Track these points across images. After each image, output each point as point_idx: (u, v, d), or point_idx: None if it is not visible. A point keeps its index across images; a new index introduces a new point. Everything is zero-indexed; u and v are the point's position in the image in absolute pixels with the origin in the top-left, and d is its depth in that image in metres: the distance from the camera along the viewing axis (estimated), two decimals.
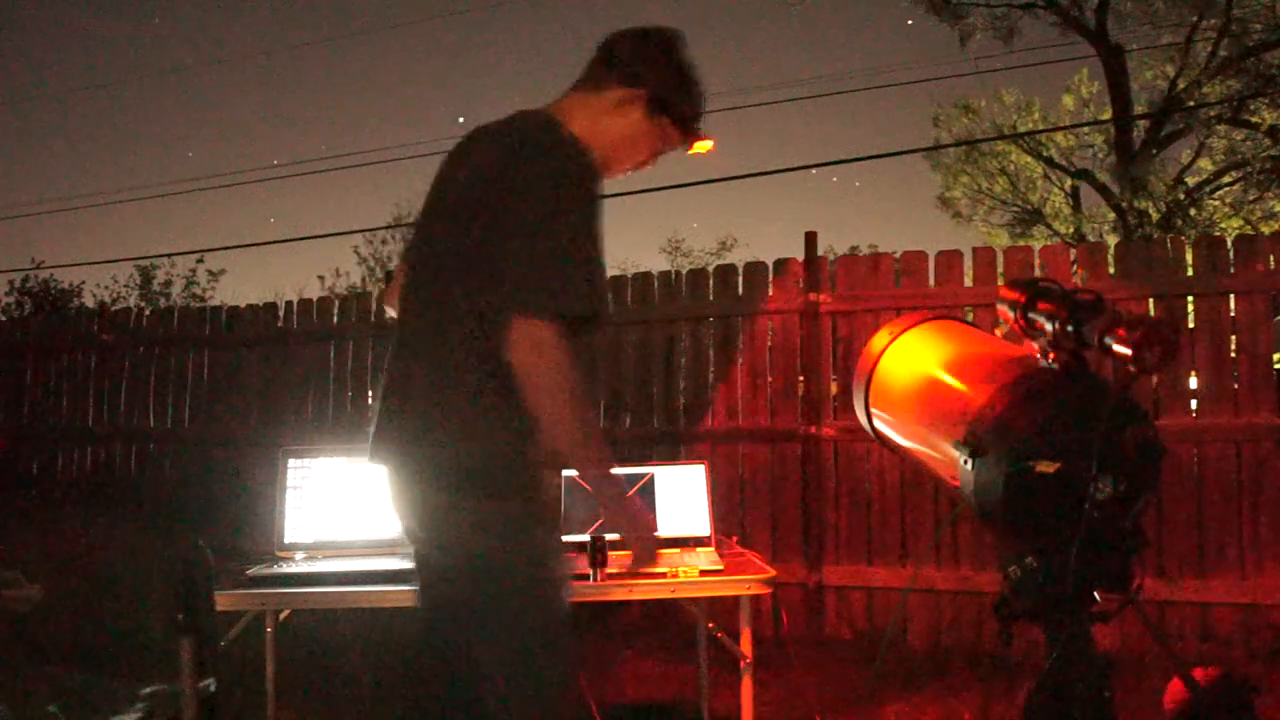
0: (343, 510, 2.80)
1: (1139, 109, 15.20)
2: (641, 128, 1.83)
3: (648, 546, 1.72)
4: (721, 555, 2.69)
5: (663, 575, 2.44)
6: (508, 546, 1.66)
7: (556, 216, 1.58)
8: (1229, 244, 4.26)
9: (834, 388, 4.85)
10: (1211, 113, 14.12)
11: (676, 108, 1.83)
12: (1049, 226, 16.15)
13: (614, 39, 1.86)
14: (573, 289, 1.56)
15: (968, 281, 4.62)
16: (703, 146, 1.95)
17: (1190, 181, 15.05)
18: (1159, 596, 4.04)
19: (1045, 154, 16.00)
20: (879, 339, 1.77)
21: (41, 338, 7.24)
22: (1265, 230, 12.26)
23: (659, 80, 1.81)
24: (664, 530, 2.80)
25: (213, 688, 2.41)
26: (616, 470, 1.70)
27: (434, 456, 1.67)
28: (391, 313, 1.94)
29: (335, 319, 6.09)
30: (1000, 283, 4.45)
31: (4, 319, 12.22)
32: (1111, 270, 4.41)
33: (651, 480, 2.83)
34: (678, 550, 2.72)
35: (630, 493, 1.89)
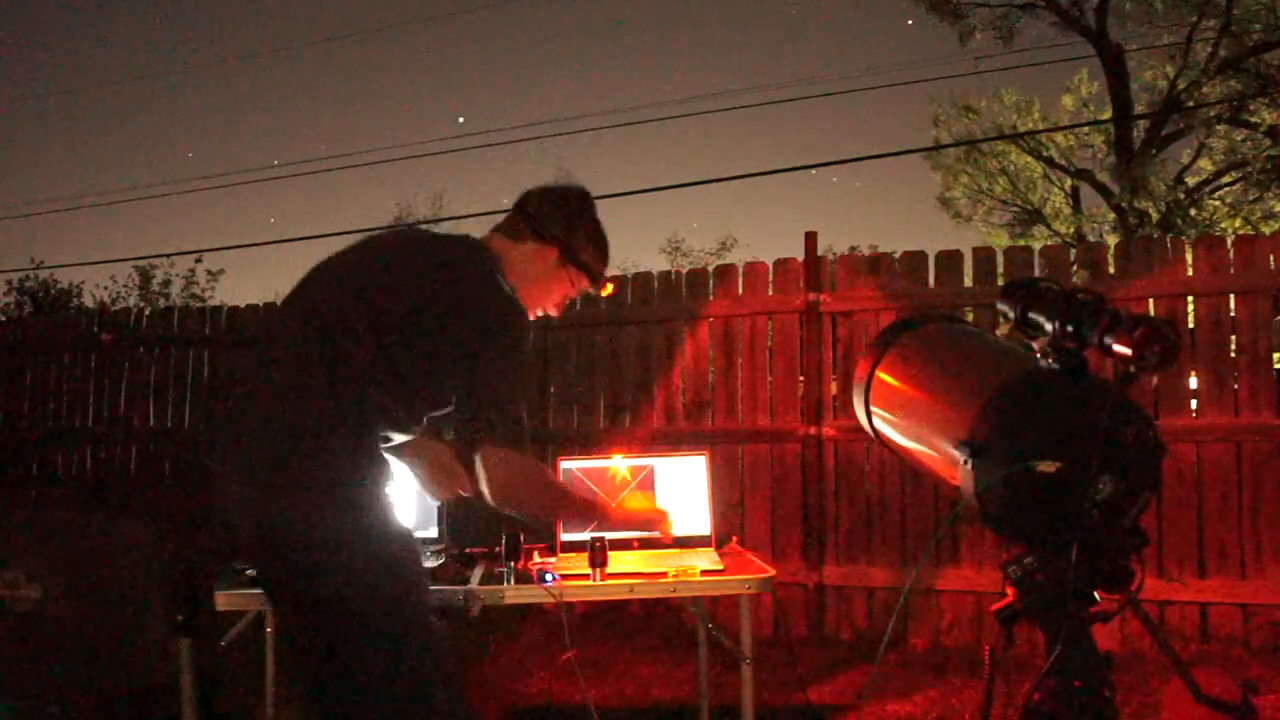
0: None
1: (1139, 109, 15.20)
2: (554, 279, 2.10)
3: (653, 523, 2.44)
4: (721, 555, 2.69)
5: (663, 575, 2.44)
6: (353, 561, 1.79)
7: (516, 363, 1.89)
8: (1229, 244, 4.26)
9: (834, 388, 4.85)
10: (1211, 113, 14.12)
11: (585, 264, 2.12)
12: (1049, 226, 16.15)
13: (532, 197, 2.11)
14: (524, 422, 1.89)
15: (968, 281, 4.62)
16: (606, 291, 2.26)
17: (1190, 181, 15.05)
18: (1159, 596, 4.04)
19: (1045, 154, 15.99)
20: (879, 338, 1.77)
21: (41, 338, 7.25)
22: (1265, 230, 12.27)
23: (571, 239, 2.08)
24: None
25: None
26: (591, 506, 2.31)
27: (290, 481, 1.80)
28: None
29: None
30: (1000, 283, 4.45)
31: (4, 319, 12.21)
32: (1111, 270, 4.41)
33: (651, 473, 2.83)
34: (678, 550, 2.72)
35: (612, 502, 2.43)
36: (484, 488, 1.88)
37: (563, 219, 2.09)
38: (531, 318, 2.06)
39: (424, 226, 2.07)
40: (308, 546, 1.80)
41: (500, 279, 1.94)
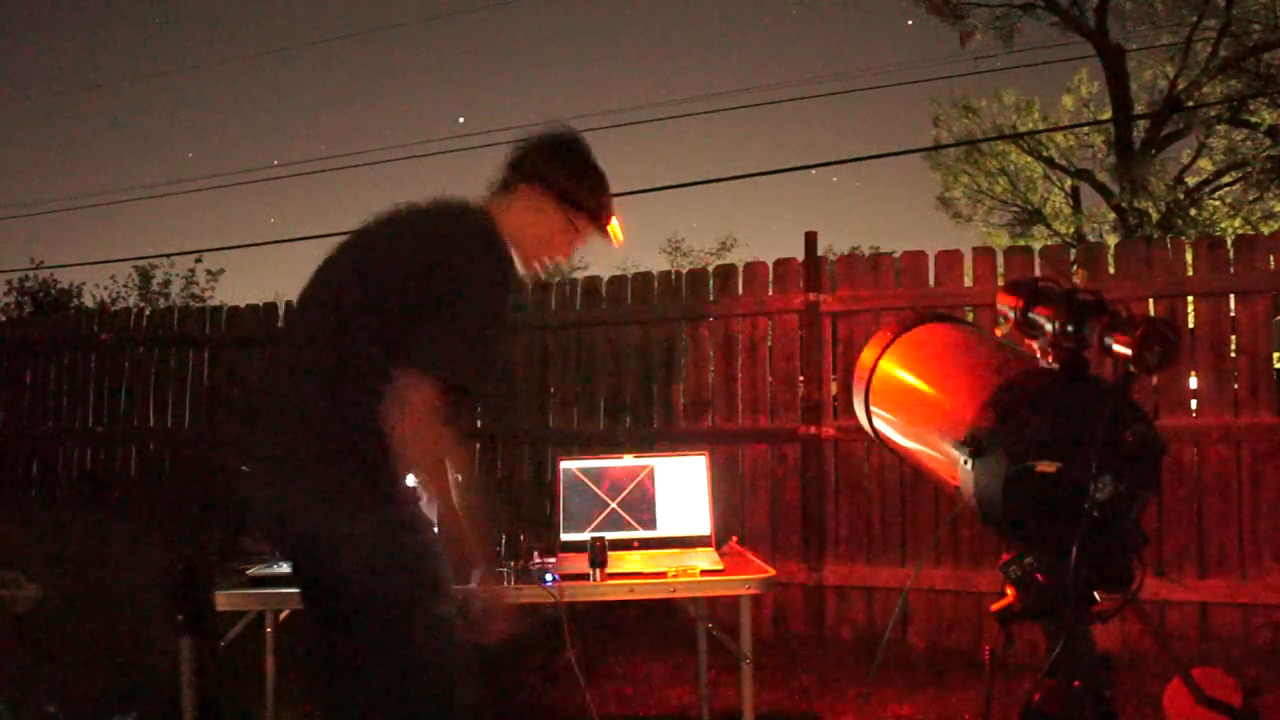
0: None
1: (1139, 109, 15.18)
2: (554, 224, 2.03)
3: (489, 608, 1.96)
4: (721, 555, 2.69)
5: (663, 575, 2.44)
6: (377, 554, 1.81)
7: (470, 304, 1.81)
8: (1229, 244, 4.26)
9: (834, 388, 4.85)
10: (1211, 113, 14.11)
11: (583, 201, 2.03)
12: (1049, 226, 16.14)
13: (519, 146, 2.06)
14: (460, 364, 1.80)
15: (968, 281, 4.62)
16: (615, 233, 2.13)
17: (1190, 181, 15.03)
18: (1159, 596, 4.04)
19: (1045, 154, 15.97)
20: (880, 337, 1.77)
21: (41, 338, 7.24)
22: (1265, 230, 12.25)
23: (564, 178, 2.01)
24: (664, 528, 2.80)
25: None
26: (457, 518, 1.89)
27: (320, 477, 1.82)
28: None
29: None
30: (1000, 283, 4.45)
31: (4, 319, 12.21)
32: (1111, 270, 4.41)
33: (651, 473, 2.83)
34: (678, 550, 2.72)
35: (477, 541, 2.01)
36: (397, 422, 1.76)
37: (548, 159, 2.03)
38: (540, 268, 2.06)
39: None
40: (342, 541, 1.81)
41: (487, 240, 1.88)
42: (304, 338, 1.95)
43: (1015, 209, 16.46)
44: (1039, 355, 1.45)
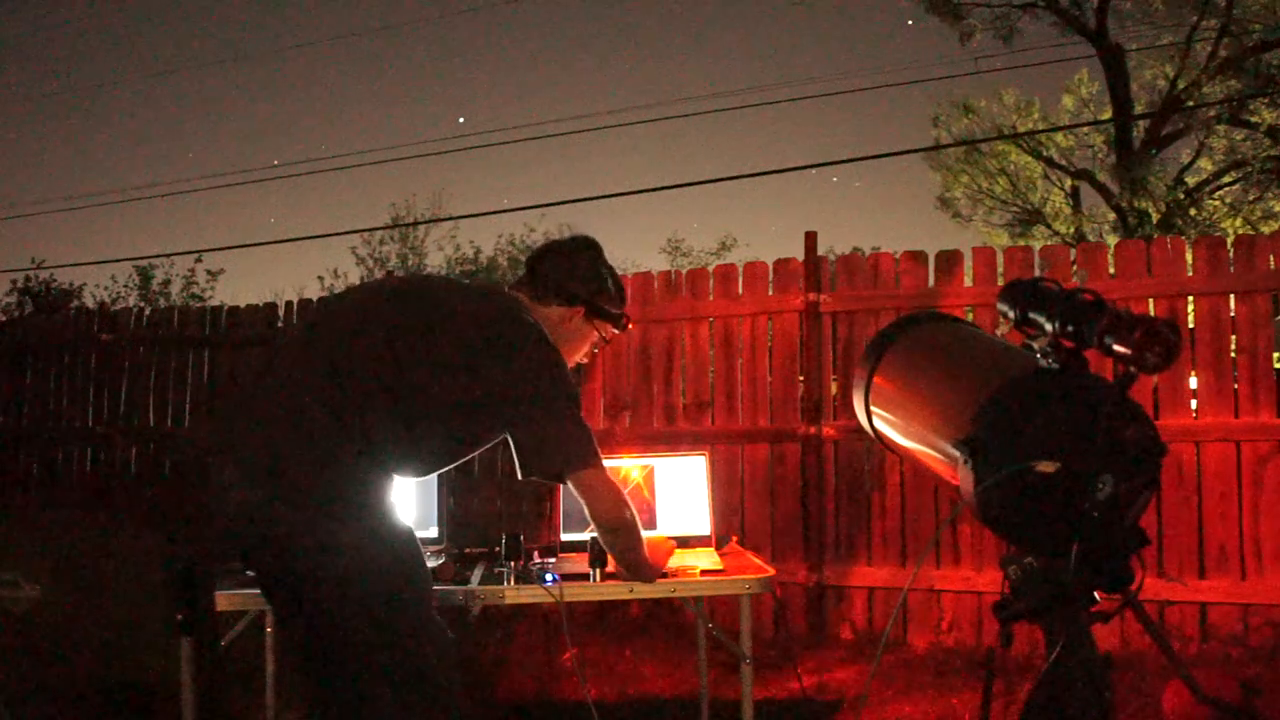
0: None
1: (1139, 109, 15.18)
2: (583, 334, 2.25)
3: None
4: (722, 555, 2.69)
5: (663, 575, 2.44)
6: (353, 564, 1.82)
7: (570, 403, 2.04)
8: (1229, 244, 4.26)
9: (834, 388, 4.85)
10: (1211, 113, 14.10)
11: (610, 313, 2.25)
12: (1049, 226, 16.13)
13: (547, 261, 2.23)
14: (578, 448, 2.04)
15: (968, 281, 4.62)
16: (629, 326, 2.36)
17: (1190, 181, 15.03)
18: (1159, 596, 4.04)
19: (1045, 154, 15.97)
20: (879, 337, 1.77)
21: (41, 338, 7.24)
22: (1265, 230, 12.25)
23: (594, 297, 2.21)
24: (664, 528, 2.79)
25: None
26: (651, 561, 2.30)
27: (300, 486, 1.84)
28: None
29: None
30: (1000, 283, 4.45)
31: (4, 319, 12.21)
32: (1111, 270, 4.41)
33: (651, 473, 2.83)
34: (678, 550, 2.71)
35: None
36: (589, 519, 2.12)
37: (583, 279, 2.20)
38: (571, 365, 2.19)
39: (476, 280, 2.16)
40: (304, 552, 1.81)
41: (553, 352, 2.05)
42: (322, 361, 1.94)
43: (1015, 209, 16.44)
44: (1039, 355, 1.45)
